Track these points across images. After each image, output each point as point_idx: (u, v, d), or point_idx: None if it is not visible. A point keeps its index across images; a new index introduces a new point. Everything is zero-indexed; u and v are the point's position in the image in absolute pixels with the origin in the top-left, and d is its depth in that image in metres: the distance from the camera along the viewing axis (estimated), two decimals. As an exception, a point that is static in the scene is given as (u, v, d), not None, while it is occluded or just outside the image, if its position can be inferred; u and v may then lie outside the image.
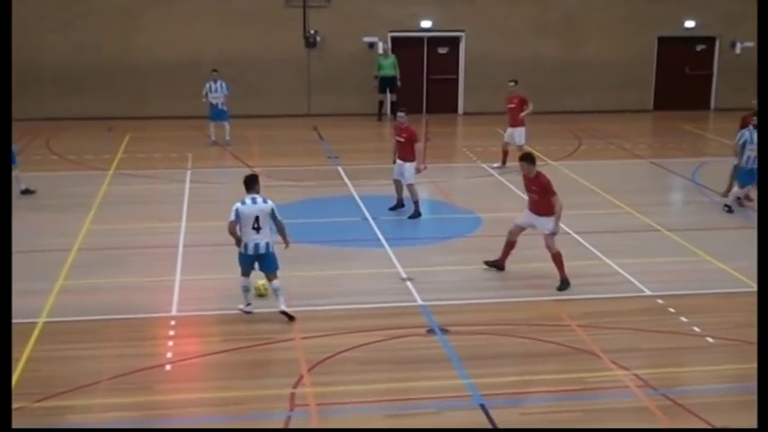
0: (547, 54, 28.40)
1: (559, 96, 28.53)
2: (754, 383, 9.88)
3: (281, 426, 9.22)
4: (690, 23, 29.17)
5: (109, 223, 16.21)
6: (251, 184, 11.94)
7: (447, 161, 22.43)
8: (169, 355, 10.92)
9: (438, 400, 9.74)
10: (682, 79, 29.66)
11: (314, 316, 12.04)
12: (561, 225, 16.05)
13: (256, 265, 12.00)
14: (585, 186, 19.13)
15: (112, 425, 9.26)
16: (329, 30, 27.61)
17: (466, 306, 12.53)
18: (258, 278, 12.39)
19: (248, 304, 12.11)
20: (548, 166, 21.18)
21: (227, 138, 23.36)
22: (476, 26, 28.26)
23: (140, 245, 15.03)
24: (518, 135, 20.61)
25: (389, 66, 27.28)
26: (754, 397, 9.56)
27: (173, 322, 11.86)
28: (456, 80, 28.91)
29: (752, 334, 11.32)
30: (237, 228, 11.72)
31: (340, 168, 20.69)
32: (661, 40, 29.25)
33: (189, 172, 20.20)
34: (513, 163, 20.54)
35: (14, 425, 8.86)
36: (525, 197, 18.04)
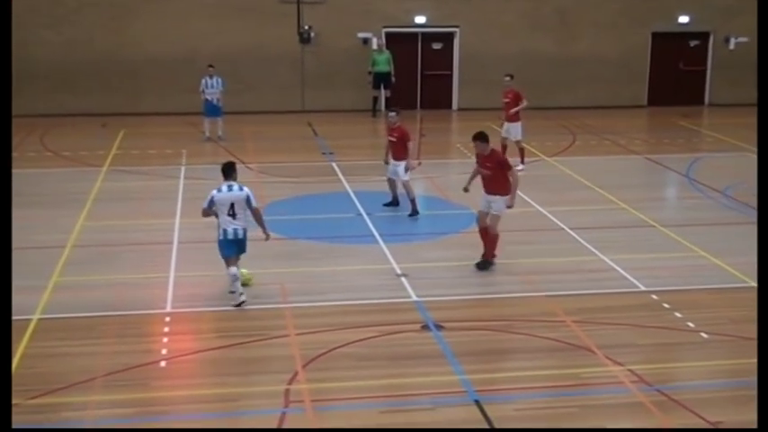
0: (541, 49, 28.40)
1: (554, 92, 28.53)
2: (748, 379, 9.94)
3: (275, 422, 9.21)
4: (684, 19, 29.19)
5: (103, 220, 16.19)
6: (228, 171, 12.26)
7: (442, 157, 22.42)
8: (164, 351, 10.91)
9: (433, 396, 9.75)
10: (676, 74, 29.68)
11: (308, 312, 12.04)
12: (556, 221, 16.15)
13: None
14: (580, 182, 19.14)
15: (108, 422, 9.24)
16: (323, 25, 27.58)
17: (461, 302, 12.54)
18: (241, 267, 12.48)
19: (241, 294, 12.20)
20: (542, 162, 21.23)
21: (220, 133, 23.32)
22: (470, 22, 28.24)
23: (135, 241, 15.01)
24: (513, 130, 20.50)
25: (384, 61, 27.26)
26: (749, 392, 9.63)
27: (167, 319, 11.86)
28: (450, 76, 28.88)
29: (746, 329, 11.38)
30: (211, 212, 12.15)
31: (334, 164, 20.68)
32: (655, 35, 29.26)
33: (183, 168, 20.17)
34: (512, 159, 20.61)
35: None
36: (520, 192, 18.12)
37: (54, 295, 12.59)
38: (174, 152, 21.83)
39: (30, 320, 11.60)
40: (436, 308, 12.18)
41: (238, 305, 12.12)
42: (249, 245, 14.04)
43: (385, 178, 17.01)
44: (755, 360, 8.52)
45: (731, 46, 29.29)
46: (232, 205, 12.03)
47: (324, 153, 22.15)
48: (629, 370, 10.36)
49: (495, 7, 28.14)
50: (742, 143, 23.06)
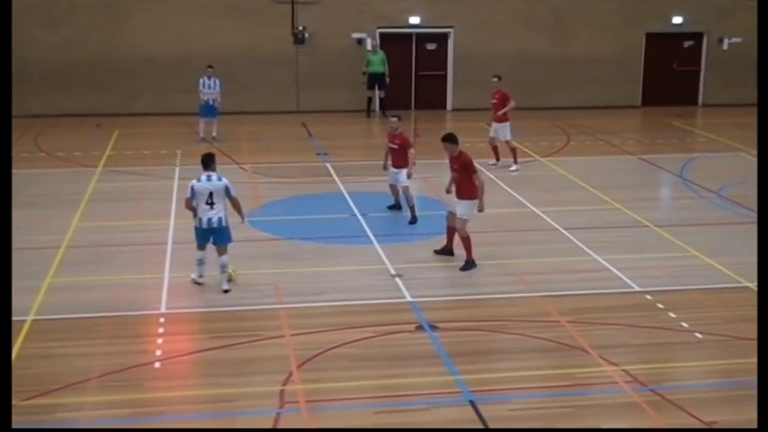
0: (536, 50, 28.42)
1: (548, 92, 28.57)
2: (742, 378, 9.99)
3: (270, 422, 9.22)
4: (678, 19, 29.23)
5: (98, 220, 16.18)
6: (207, 162, 12.80)
7: (436, 157, 22.25)
8: (159, 352, 10.91)
9: (427, 397, 9.76)
10: (670, 75, 29.72)
11: (303, 313, 12.05)
12: (550, 221, 16.18)
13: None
14: (574, 182, 19.17)
15: (103, 422, 9.25)
16: (318, 26, 27.57)
17: (455, 302, 12.56)
18: (229, 266, 12.90)
19: (201, 276, 12.88)
20: (537, 162, 21.26)
21: (215, 134, 23.31)
22: (464, 22, 28.25)
23: (129, 242, 15.00)
24: (502, 130, 20.61)
25: (378, 62, 27.25)
26: (743, 392, 9.67)
27: (162, 319, 11.86)
28: (445, 76, 28.88)
29: (740, 329, 11.42)
30: (193, 203, 12.62)
31: (329, 165, 20.68)
32: (649, 35, 29.29)
33: (178, 169, 20.15)
34: (506, 159, 20.67)
35: (4, 423, 8.86)
36: (514, 193, 18.20)
37: (48, 296, 12.58)
38: (169, 153, 21.81)
39: (24, 321, 11.60)
40: (431, 308, 12.20)
41: (196, 282, 12.86)
42: (244, 245, 14.10)
43: (381, 180, 17.00)
44: (750, 360, 8.58)
45: (725, 46, 29.35)
46: (210, 194, 12.54)
47: (318, 153, 22.15)
48: (624, 370, 10.38)
49: (489, 7, 28.15)
50: (736, 143, 23.11)
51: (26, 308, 11.99)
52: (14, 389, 9.63)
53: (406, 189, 16.24)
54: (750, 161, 20.18)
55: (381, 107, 27.75)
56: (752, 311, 10.68)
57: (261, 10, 27.23)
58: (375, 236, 15.29)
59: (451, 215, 13.97)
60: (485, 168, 20.41)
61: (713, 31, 29.45)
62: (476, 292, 12.92)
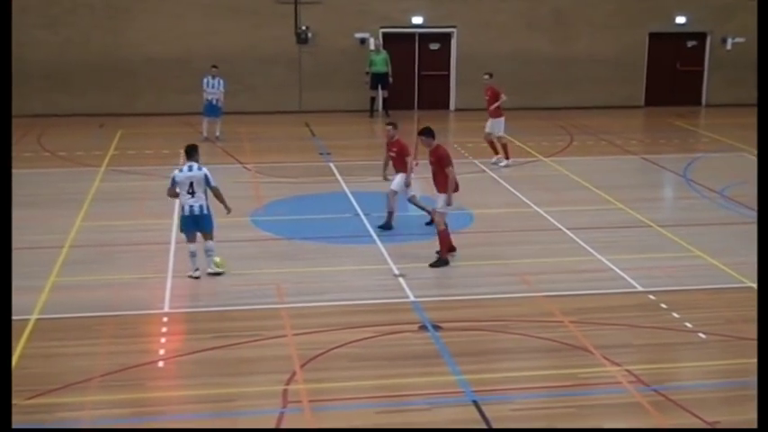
0: (538, 49, 28.42)
1: (551, 92, 28.58)
2: (746, 379, 9.96)
3: (273, 422, 9.21)
4: (681, 19, 29.22)
5: (101, 220, 16.18)
6: (190, 152, 13.37)
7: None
8: (161, 351, 10.90)
9: (430, 397, 9.74)
10: (673, 75, 29.71)
11: (306, 312, 12.04)
12: (553, 221, 16.15)
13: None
14: (577, 182, 19.15)
15: (105, 422, 9.24)
16: (320, 26, 27.58)
17: (458, 302, 12.54)
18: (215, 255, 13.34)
19: (196, 270, 13.19)
20: (539, 162, 21.24)
21: (218, 134, 23.34)
22: (467, 22, 28.25)
23: (132, 242, 15.00)
24: (494, 126, 20.87)
25: (381, 62, 27.25)
26: (746, 392, 9.64)
27: (165, 319, 11.85)
28: (447, 76, 28.90)
29: (744, 329, 11.39)
30: (176, 191, 13.17)
31: (332, 165, 20.67)
32: (652, 35, 29.28)
33: (180, 168, 20.12)
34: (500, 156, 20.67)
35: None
36: (517, 193, 18.19)
37: (52, 295, 12.58)
38: (172, 152, 21.79)
39: (27, 321, 11.59)
40: (433, 308, 12.18)
41: (192, 277, 13.17)
42: (247, 245, 14.11)
43: (381, 178, 16.91)
44: (753, 360, 8.53)
45: (728, 46, 29.34)
46: (191, 184, 13.04)
47: (321, 153, 22.14)
48: (627, 370, 10.36)
49: (490, 7, 28.15)
50: (739, 143, 23.08)
51: (30, 307, 11.99)
52: (17, 388, 9.66)
53: (392, 193, 15.64)
54: (753, 161, 20.14)
55: (384, 107, 27.74)
56: (755, 312, 10.64)
57: (263, 10, 27.25)
58: (378, 235, 15.28)
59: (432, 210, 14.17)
60: (487, 168, 20.45)
61: (716, 31, 29.43)
62: (478, 293, 12.90)
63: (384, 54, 27.33)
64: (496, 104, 20.71)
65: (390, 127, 16.02)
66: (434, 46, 28.74)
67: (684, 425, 9.24)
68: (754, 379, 8.31)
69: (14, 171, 18.06)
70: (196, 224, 13.22)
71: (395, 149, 15.81)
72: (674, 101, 29.23)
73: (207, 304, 12.39)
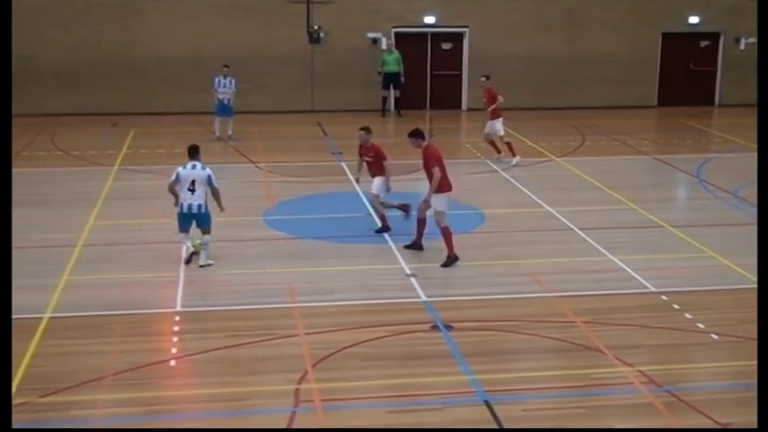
0: (550, 49, 28.38)
1: (563, 92, 28.53)
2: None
3: (285, 422, 9.22)
4: (694, 19, 29.13)
5: (113, 219, 16.22)
6: (193, 152, 13.96)
7: (450, 157, 22.24)
8: (173, 350, 10.93)
9: (442, 397, 9.74)
10: (686, 75, 29.63)
11: (317, 312, 12.05)
12: (565, 221, 16.13)
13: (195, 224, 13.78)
14: (589, 182, 19.12)
15: (116, 421, 9.26)
16: (333, 25, 27.61)
17: (470, 302, 12.53)
18: (195, 237, 13.84)
19: (192, 246, 13.86)
20: (551, 162, 21.21)
21: (230, 133, 23.39)
22: (479, 22, 28.23)
23: (145, 240, 15.04)
24: (493, 127, 21.04)
25: (393, 61, 27.27)
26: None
27: (177, 318, 11.87)
28: (459, 76, 28.88)
29: (756, 331, 11.33)
30: (177, 188, 13.64)
31: (344, 164, 20.68)
32: (665, 35, 29.21)
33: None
34: (495, 155, 20.63)
35: (18, 420, 8.88)
36: (529, 193, 18.16)
37: (64, 294, 12.61)
38: (184, 151, 21.48)
39: (41, 319, 11.62)
40: (445, 308, 12.18)
41: (191, 255, 13.81)
42: (258, 244, 14.14)
43: (396, 179, 16.88)
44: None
45: (742, 46, 29.23)
46: (193, 182, 13.56)
47: (333, 153, 22.16)
48: (639, 371, 10.34)
49: (502, 7, 28.13)
50: (752, 144, 22.91)
51: (43, 305, 12.02)
52: (30, 386, 9.73)
53: (374, 197, 15.48)
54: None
55: (396, 107, 27.75)
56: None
57: (275, 9, 27.29)
58: (390, 235, 15.27)
59: (422, 206, 14.16)
60: (498, 168, 20.42)
61: (730, 31, 29.33)
62: (490, 292, 12.88)
63: (396, 54, 27.34)
64: (494, 106, 20.91)
65: (363, 132, 15.68)
66: (446, 46, 28.73)
67: (696, 425, 9.22)
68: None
69: (28, 170, 18.24)
70: (195, 221, 13.66)
71: (371, 154, 15.47)
72: (686, 101, 29.14)
73: (219, 303, 12.42)
